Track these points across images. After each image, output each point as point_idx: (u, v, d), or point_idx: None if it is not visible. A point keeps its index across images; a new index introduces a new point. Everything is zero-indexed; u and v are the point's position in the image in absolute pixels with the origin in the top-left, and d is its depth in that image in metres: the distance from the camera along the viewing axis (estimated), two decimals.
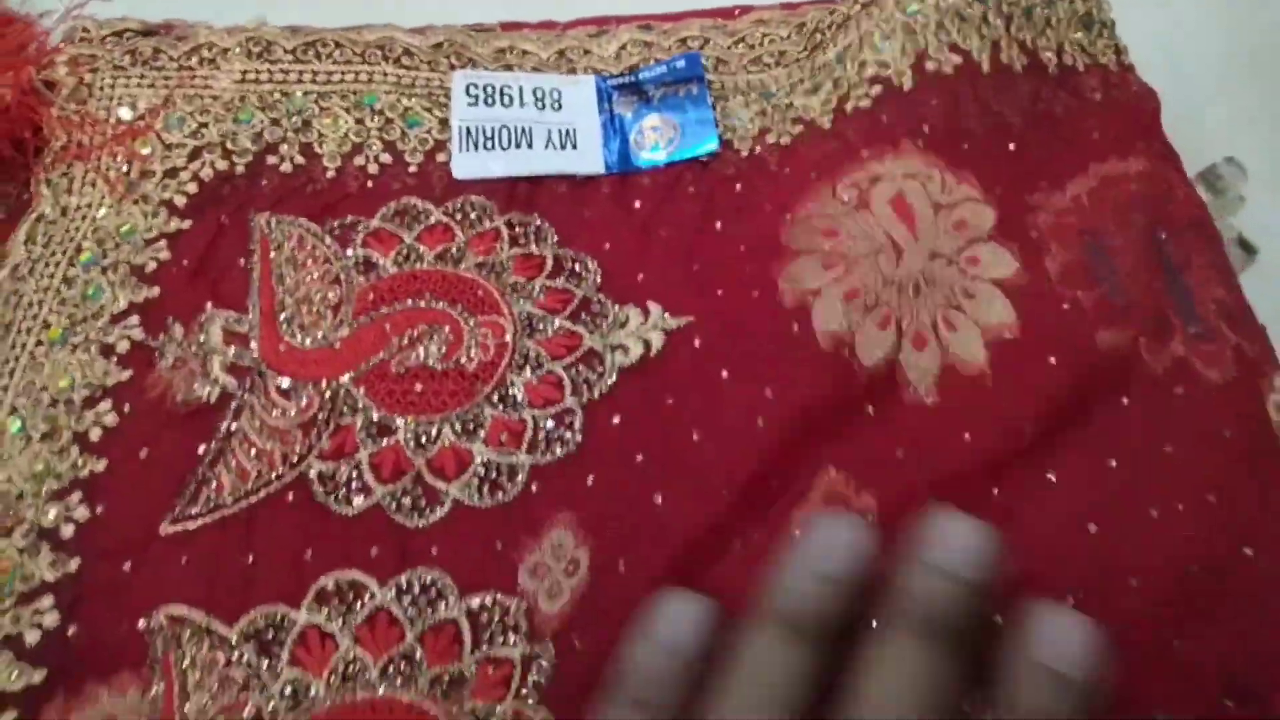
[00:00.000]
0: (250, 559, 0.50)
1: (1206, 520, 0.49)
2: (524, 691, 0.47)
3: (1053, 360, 0.53)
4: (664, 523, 0.51)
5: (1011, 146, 0.63)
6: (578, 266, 0.60)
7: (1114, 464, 0.51)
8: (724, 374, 0.55)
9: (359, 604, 0.49)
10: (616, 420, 0.54)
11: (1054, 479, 0.50)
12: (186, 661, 0.48)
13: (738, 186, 0.63)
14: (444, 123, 0.66)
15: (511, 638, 0.48)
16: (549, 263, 0.60)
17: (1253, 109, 0.77)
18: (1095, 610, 0.42)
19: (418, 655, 0.48)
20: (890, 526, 0.48)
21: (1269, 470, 0.51)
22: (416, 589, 0.49)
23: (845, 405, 0.53)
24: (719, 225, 0.62)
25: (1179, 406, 0.52)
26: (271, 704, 0.47)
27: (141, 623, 0.49)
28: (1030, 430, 0.51)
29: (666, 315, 0.58)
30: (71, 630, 0.48)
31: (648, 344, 0.57)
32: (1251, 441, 0.52)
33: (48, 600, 0.49)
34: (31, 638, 0.48)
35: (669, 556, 0.50)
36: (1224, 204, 0.68)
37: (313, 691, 0.47)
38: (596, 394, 0.55)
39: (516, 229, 0.62)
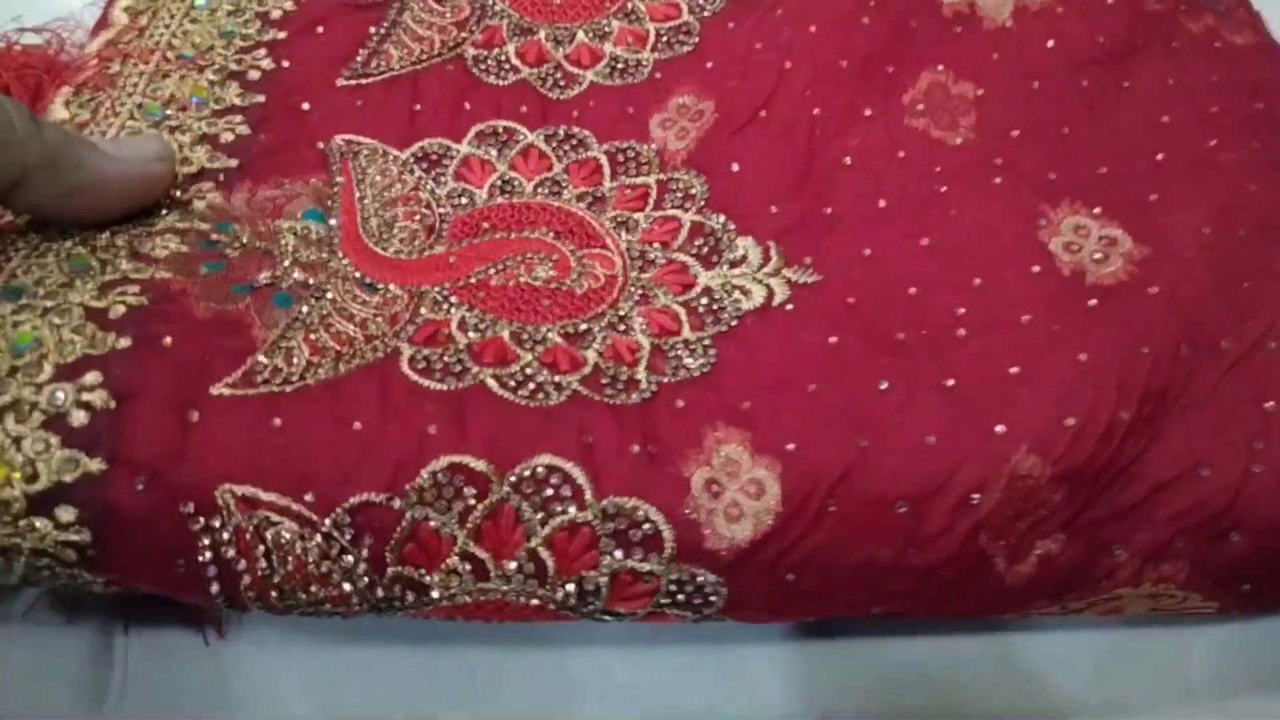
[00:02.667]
0: (417, 106, 0.59)
1: (1258, 119, 0.58)
2: (665, 205, 0.56)
3: (1110, 1, 0.64)
4: (791, 83, 0.59)
5: None
6: None
7: (1171, 82, 0.60)
8: None
9: (513, 143, 0.58)
10: (731, 25, 0.64)
11: (1127, 85, 0.60)
12: (363, 166, 0.55)
13: None
14: None
15: (645, 169, 0.57)
16: None
17: None
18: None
19: (564, 180, 0.57)
20: (993, 110, 0.58)
21: None
22: (562, 135, 0.59)
23: (935, 25, 0.63)
24: None
25: (1218, 55, 0.62)
26: (439, 205, 0.55)
27: (320, 144, 0.56)
28: (1106, 43, 0.61)
29: None
30: (260, 137, 0.56)
31: None
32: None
33: (238, 117, 0.57)
34: (226, 138, 0.55)
35: (797, 113, 0.59)
36: None
37: (477, 199, 0.55)
38: (710, 12, 0.65)
39: None
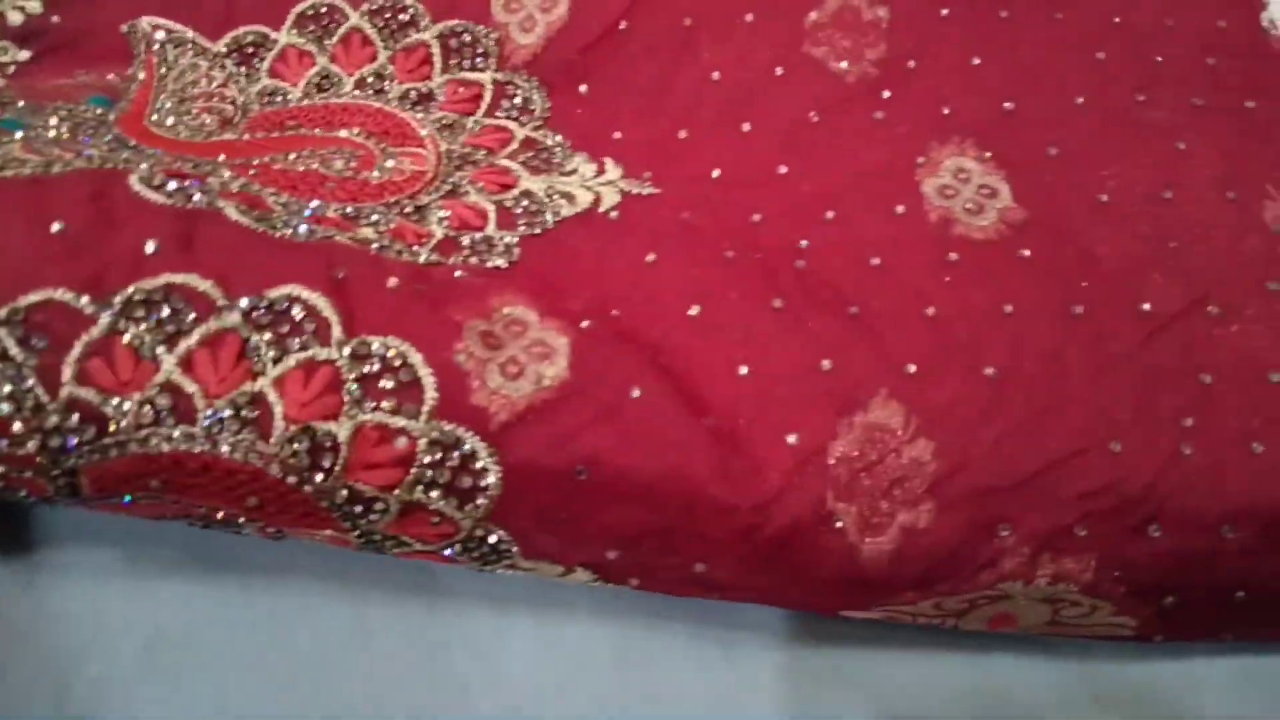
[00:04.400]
0: None
1: (1206, 73, 0.51)
2: (498, 113, 0.49)
3: None
4: None
5: None
6: None
7: (1117, 20, 0.52)
8: None
9: (335, 27, 0.51)
10: None
11: (1060, 17, 0.52)
12: (168, 59, 0.50)
13: None
14: None
15: (481, 63, 0.50)
16: None
17: None
18: None
19: (389, 73, 0.50)
20: (898, 36, 0.51)
21: (1264, 59, 0.52)
22: (390, 12, 0.52)
23: None
24: None
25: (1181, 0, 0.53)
26: (247, 100, 0.49)
27: (124, 27, 0.51)
28: None
29: None
30: (54, 19, 0.50)
31: None
32: (1249, 39, 0.53)
33: None
34: (14, 19, 0.50)
35: (663, 22, 0.51)
36: None
37: (290, 99, 0.49)
38: None
39: None
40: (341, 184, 0.44)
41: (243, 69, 0.50)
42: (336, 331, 0.37)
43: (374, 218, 0.43)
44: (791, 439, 0.38)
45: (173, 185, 0.39)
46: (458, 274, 0.40)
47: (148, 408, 0.35)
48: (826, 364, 0.40)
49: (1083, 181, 0.47)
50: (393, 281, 0.38)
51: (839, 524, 0.38)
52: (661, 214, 0.45)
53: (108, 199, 0.38)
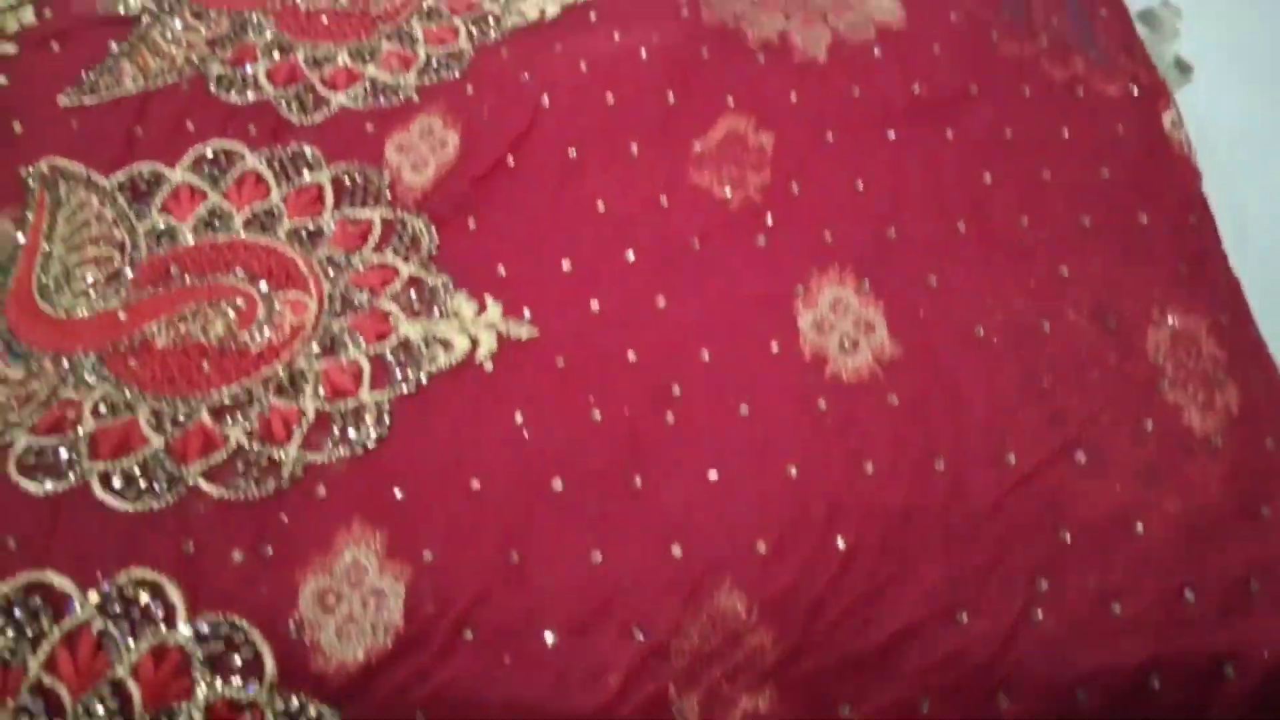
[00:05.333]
0: (138, 129, 0.53)
1: (1097, 188, 0.51)
2: (386, 249, 0.49)
3: (937, 50, 0.56)
4: (546, 122, 0.53)
5: None
6: None
7: (1009, 134, 0.53)
8: (615, 34, 0.57)
9: (230, 169, 0.52)
10: (504, 53, 0.57)
11: (950, 135, 0.53)
12: (61, 198, 0.50)
13: None
14: None
15: (371, 202, 0.51)
16: None
17: None
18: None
19: (279, 210, 0.51)
20: (783, 161, 0.51)
21: (1164, 165, 0.53)
22: (285, 158, 0.52)
23: (737, 56, 0.56)
24: None
25: (1079, 107, 0.55)
26: (134, 246, 0.49)
27: (23, 170, 0.51)
28: (922, 91, 0.54)
29: None
30: None
31: (544, 12, 0.59)
32: (1148, 144, 0.54)
33: None
34: None
35: (549, 155, 0.52)
36: (1161, 36, 0.72)
37: (178, 236, 0.50)
38: (489, 40, 0.58)
39: None
40: (218, 363, 0.45)
41: (135, 205, 0.50)
42: (181, 613, 0.38)
43: (250, 410, 0.44)
44: (639, 635, 0.39)
45: (47, 456, 0.42)
46: (320, 492, 0.42)
47: (23, 715, 0.37)
48: (677, 550, 0.40)
49: (960, 313, 0.47)
50: (237, 556, 0.40)
51: (682, 714, 0.38)
52: (537, 362, 0.45)
53: None
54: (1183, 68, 0.74)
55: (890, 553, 0.40)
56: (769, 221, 0.50)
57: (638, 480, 0.42)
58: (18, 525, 0.40)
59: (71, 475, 0.41)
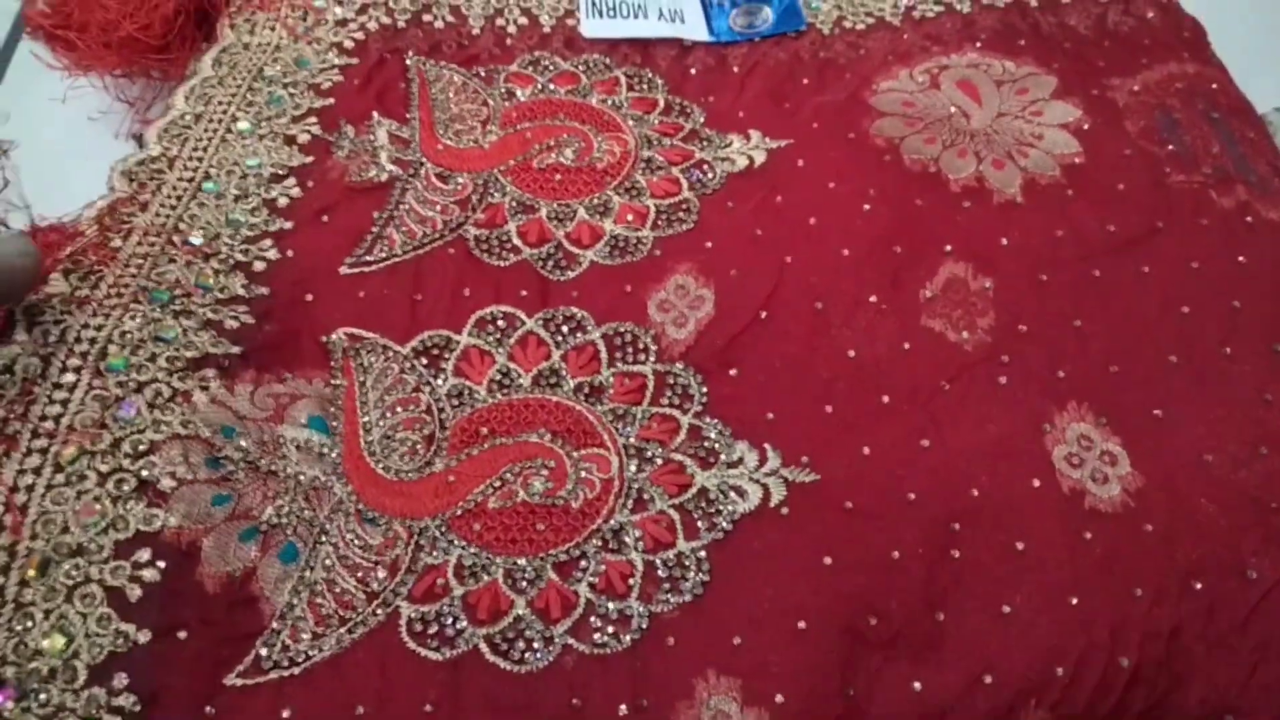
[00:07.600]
0: (418, 296, 0.59)
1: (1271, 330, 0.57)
2: (662, 400, 0.55)
3: (1121, 186, 0.63)
4: (792, 278, 0.59)
5: (1068, 45, 0.74)
6: (685, 108, 0.70)
7: (1196, 265, 0.59)
8: (830, 184, 0.64)
9: (512, 331, 0.58)
10: (730, 205, 0.64)
11: (1146, 270, 0.59)
12: (366, 365, 0.56)
13: (821, 54, 0.74)
14: None
15: (642, 357, 0.57)
16: (660, 104, 0.70)
17: None
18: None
19: (563, 370, 0.57)
20: (1006, 303, 0.57)
21: None
22: (560, 319, 0.59)
23: (944, 201, 0.63)
24: (805, 81, 0.72)
25: (1252, 234, 0.61)
26: (439, 407, 0.55)
27: (323, 338, 0.57)
28: (1116, 228, 0.60)
29: (767, 139, 0.68)
30: (265, 328, 0.57)
31: (751, 159, 0.66)
32: None
33: (242, 307, 0.57)
34: (230, 324, 0.56)
35: (798, 308, 0.58)
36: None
37: (475, 394, 0.56)
38: (709, 190, 0.65)
39: (632, 78, 0.72)
40: (549, 520, 0.51)
41: (431, 369, 0.56)
42: None
43: (587, 568, 0.49)
44: None
45: (434, 624, 0.48)
46: (670, 641, 0.47)
47: None
48: (989, 679, 0.46)
49: (1187, 442, 0.53)
50: (623, 710, 0.46)
51: None
52: (827, 505, 0.51)
53: (390, 669, 0.47)
54: None
55: (1163, 668, 0.46)
56: (1005, 360, 0.56)
57: (940, 615, 0.48)
58: (429, 693, 0.45)
59: (460, 641, 0.47)
